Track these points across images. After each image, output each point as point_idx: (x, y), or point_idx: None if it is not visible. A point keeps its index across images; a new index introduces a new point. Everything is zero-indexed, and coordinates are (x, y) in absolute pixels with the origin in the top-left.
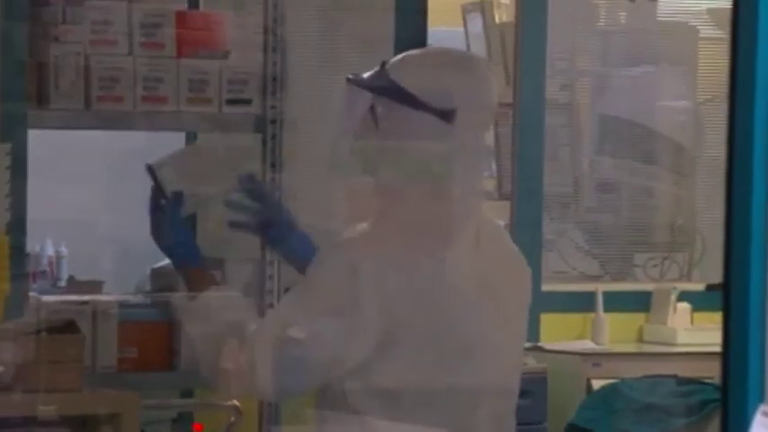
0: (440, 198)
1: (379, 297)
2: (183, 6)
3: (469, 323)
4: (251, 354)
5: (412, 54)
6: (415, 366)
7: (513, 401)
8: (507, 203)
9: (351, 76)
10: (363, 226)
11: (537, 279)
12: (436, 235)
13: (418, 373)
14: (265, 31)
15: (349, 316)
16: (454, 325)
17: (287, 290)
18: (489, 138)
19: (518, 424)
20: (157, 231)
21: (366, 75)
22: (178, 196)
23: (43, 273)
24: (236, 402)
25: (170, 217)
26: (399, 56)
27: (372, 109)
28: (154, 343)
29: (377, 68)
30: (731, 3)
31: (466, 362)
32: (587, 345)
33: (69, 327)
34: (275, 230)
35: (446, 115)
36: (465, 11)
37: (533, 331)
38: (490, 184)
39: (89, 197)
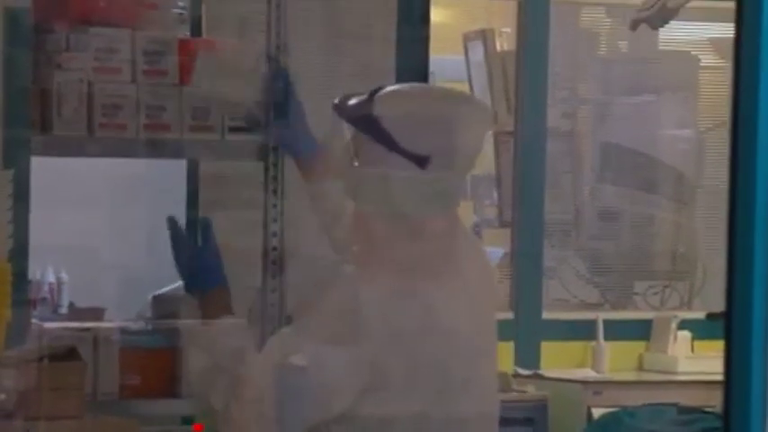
0: (415, 234)
1: (375, 330)
2: (186, 34)
3: (462, 358)
4: (251, 385)
5: (400, 91)
6: (406, 399)
7: (495, 428)
8: (508, 231)
9: (337, 101)
10: (362, 257)
11: (537, 307)
12: (421, 270)
13: (408, 406)
14: (268, 59)
15: (349, 347)
16: (445, 360)
17: (288, 317)
18: (490, 165)
19: None
20: (183, 251)
21: (354, 101)
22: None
23: (44, 300)
24: None
25: (203, 237)
26: (388, 89)
27: (354, 137)
28: (155, 370)
29: (365, 96)
30: (733, 32)
31: (458, 393)
32: (588, 373)
33: (71, 354)
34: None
35: (420, 161)
36: (466, 39)
37: (534, 359)
38: (491, 212)
39: (90, 223)
